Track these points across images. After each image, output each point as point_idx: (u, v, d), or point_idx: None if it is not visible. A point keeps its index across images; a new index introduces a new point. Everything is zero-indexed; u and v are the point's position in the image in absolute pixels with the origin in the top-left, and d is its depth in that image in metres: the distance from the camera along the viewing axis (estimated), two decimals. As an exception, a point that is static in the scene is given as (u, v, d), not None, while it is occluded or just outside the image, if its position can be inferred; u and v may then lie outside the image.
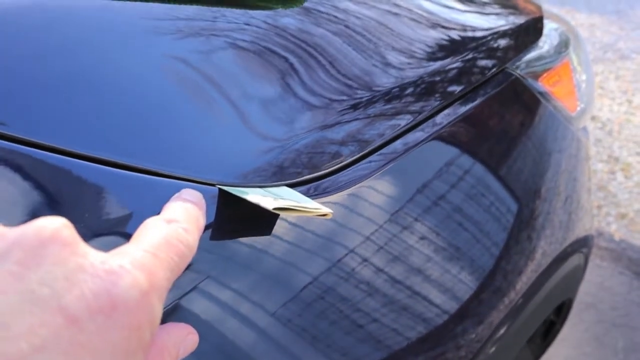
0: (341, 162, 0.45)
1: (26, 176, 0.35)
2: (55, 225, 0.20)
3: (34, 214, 0.34)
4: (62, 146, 0.36)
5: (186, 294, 0.35)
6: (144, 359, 0.20)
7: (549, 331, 0.92)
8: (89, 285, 0.19)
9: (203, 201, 0.29)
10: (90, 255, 0.20)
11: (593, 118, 2.28)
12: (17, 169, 0.35)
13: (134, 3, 0.45)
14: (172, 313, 0.35)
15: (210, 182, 0.37)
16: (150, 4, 0.45)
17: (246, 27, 0.47)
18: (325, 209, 0.36)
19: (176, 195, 0.29)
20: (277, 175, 0.41)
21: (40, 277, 0.18)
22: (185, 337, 0.26)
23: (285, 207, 0.33)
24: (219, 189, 0.37)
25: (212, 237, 0.37)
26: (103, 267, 0.20)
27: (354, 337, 0.43)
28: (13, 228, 0.19)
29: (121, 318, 0.19)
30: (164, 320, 0.26)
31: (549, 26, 0.78)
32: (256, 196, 0.35)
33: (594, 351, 1.29)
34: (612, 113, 2.33)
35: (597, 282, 1.48)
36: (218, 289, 0.37)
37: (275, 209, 0.33)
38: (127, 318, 0.19)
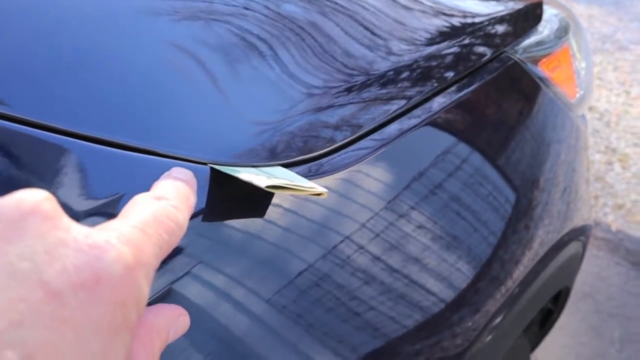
0: (334, 144, 0.44)
1: (14, 153, 0.34)
2: (37, 198, 0.19)
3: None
4: (51, 123, 0.35)
5: (179, 278, 0.35)
6: (130, 340, 0.20)
7: (546, 320, 0.91)
8: (71, 259, 0.18)
9: (194, 179, 0.29)
10: (73, 229, 0.19)
11: (591, 109, 2.27)
12: (5, 146, 0.34)
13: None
14: (164, 298, 0.34)
15: (202, 161, 0.37)
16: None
17: (241, 8, 0.46)
18: (320, 188, 0.35)
19: (166, 173, 0.28)
20: (270, 156, 0.40)
21: (19, 250, 0.17)
22: (176, 318, 0.25)
23: (279, 185, 0.33)
24: (211, 168, 0.36)
25: (204, 219, 0.36)
26: (86, 241, 0.19)
27: (349, 324, 0.42)
28: None
29: (105, 293, 0.18)
30: (155, 306, 0.25)
31: (549, 12, 0.77)
32: (249, 174, 0.34)
33: (590, 341, 1.29)
34: (610, 104, 2.32)
35: (594, 272, 1.48)
36: (211, 273, 0.36)
37: (268, 187, 0.32)
38: (111, 293, 0.18)
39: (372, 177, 0.46)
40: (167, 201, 0.24)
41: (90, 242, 0.19)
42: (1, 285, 0.16)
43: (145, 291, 0.20)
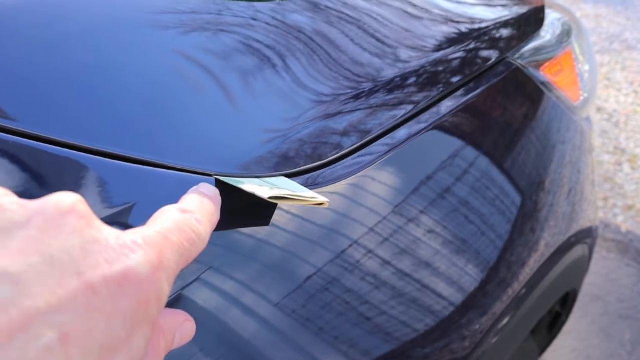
0: (342, 151, 0.45)
1: (27, 168, 0.36)
2: (73, 199, 0.21)
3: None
4: (61, 139, 0.36)
5: (188, 285, 0.36)
6: (149, 332, 0.21)
7: (554, 323, 0.91)
8: (103, 255, 0.20)
9: (219, 197, 0.30)
10: (104, 230, 0.21)
11: (599, 109, 2.26)
12: (20, 161, 0.35)
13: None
14: (174, 304, 0.35)
15: (208, 173, 0.38)
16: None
17: (246, 18, 0.47)
18: (321, 198, 0.36)
19: (194, 188, 0.30)
20: (278, 165, 0.41)
21: (59, 244, 0.19)
22: (182, 323, 0.26)
23: (281, 196, 0.34)
24: (216, 179, 0.37)
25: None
26: (117, 241, 0.21)
27: (358, 327, 0.43)
28: (32, 200, 0.20)
29: (132, 289, 0.20)
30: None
31: (551, 16, 0.77)
32: (252, 186, 0.35)
33: (600, 343, 1.29)
34: (619, 104, 2.31)
35: (603, 274, 1.47)
36: (221, 278, 0.37)
37: (270, 197, 0.33)
38: (137, 290, 0.20)
39: (380, 182, 0.47)
40: (192, 214, 0.26)
41: (121, 242, 0.21)
42: (43, 273, 0.18)
43: (166, 292, 0.22)
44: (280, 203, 0.39)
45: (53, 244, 0.19)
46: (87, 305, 0.18)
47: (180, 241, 0.24)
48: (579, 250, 0.75)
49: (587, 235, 0.78)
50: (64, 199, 0.20)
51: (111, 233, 0.21)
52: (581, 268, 0.81)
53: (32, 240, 0.19)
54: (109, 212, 0.35)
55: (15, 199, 0.20)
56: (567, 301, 0.87)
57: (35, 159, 0.36)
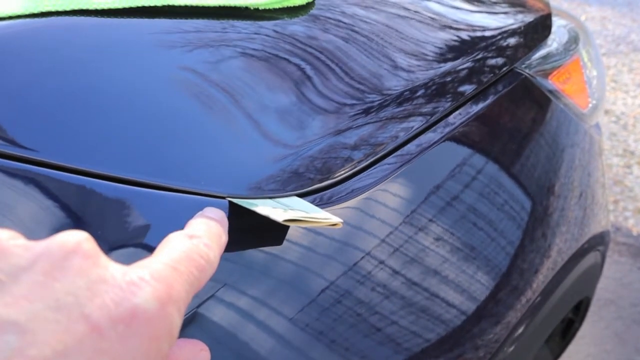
0: (355, 166, 0.45)
1: (39, 196, 0.36)
2: (78, 238, 0.21)
3: (47, 231, 0.35)
4: (72, 164, 0.37)
5: (201, 303, 0.36)
6: None
7: (567, 329, 0.91)
8: (110, 295, 0.20)
9: (226, 219, 0.30)
10: (111, 267, 0.21)
11: (607, 112, 2.25)
12: (31, 189, 0.36)
13: (140, 20, 0.45)
14: (187, 323, 0.35)
15: (221, 195, 0.38)
16: (157, 19, 0.46)
17: (254, 36, 0.48)
18: (335, 219, 0.36)
19: (199, 212, 0.30)
20: (290, 183, 0.41)
21: (64, 286, 0.19)
22: (197, 353, 0.26)
23: (295, 218, 0.34)
24: (229, 201, 0.37)
25: (226, 248, 0.37)
26: (124, 278, 0.20)
27: (372, 340, 0.43)
28: (38, 241, 0.20)
29: (141, 328, 0.20)
30: (181, 330, 0.26)
31: (557, 23, 0.77)
32: (266, 208, 0.35)
33: (615, 348, 1.27)
34: (627, 106, 2.30)
35: (616, 278, 1.46)
36: (233, 297, 0.37)
37: (285, 220, 0.33)
38: (147, 328, 0.20)
39: (394, 196, 0.47)
40: (200, 239, 0.26)
41: (127, 280, 0.20)
42: (48, 318, 0.18)
43: (177, 325, 0.22)
44: (294, 225, 0.39)
45: (58, 288, 0.19)
46: (94, 349, 0.18)
47: (189, 270, 0.23)
48: (592, 258, 0.75)
49: (599, 242, 0.77)
50: (69, 239, 0.20)
51: (118, 270, 0.21)
52: (594, 275, 0.81)
53: (37, 285, 0.19)
54: (118, 237, 0.36)
55: (20, 241, 0.20)
56: (580, 308, 0.87)
57: (45, 186, 0.36)
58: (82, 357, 0.18)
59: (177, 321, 0.22)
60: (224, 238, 0.28)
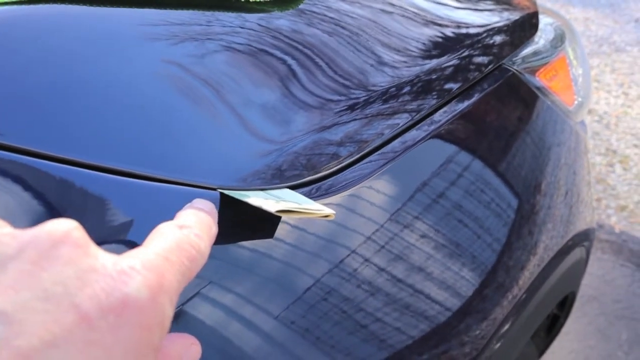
0: (341, 163, 0.45)
1: (28, 186, 0.35)
2: (67, 227, 0.20)
3: (33, 222, 0.34)
4: (62, 155, 0.36)
5: (189, 299, 0.36)
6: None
7: (553, 325, 0.92)
8: (100, 284, 0.19)
9: (215, 210, 0.30)
10: (101, 257, 0.20)
11: (590, 111, 2.28)
12: (20, 179, 0.35)
13: (129, 10, 0.45)
14: (176, 319, 0.35)
15: (212, 187, 0.38)
16: (146, 10, 0.45)
17: (242, 30, 0.47)
18: (327, 210, 0.36)
19: (189, 204, 0.30)
20: (277, 177, 0.41)
21: (53, 276, 0.18)
22: (188, 347, 0.26)
23: (288, 209, 0.34)
24: (221, 193, 0.37)
25: (215, 242, 0.37)
26: (114, 267, 0.20)
27: (358, 337, 0.43)
28: (25, 230, 0.20)
29: (132, 317, 0.19)
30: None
31: (544, 21, 0.78)
32: (258, 199, 0.35)
33: (598, 344, 1.29)
34: (609, 106, 2.33)
35: (599, 274, 1.48)
36: (221, 293, 0.37)
37: (277, 211, 0.33)
38: (138, 317, 0.19)
39: (380, 193, 0.47)
40: (190, 229, 0.25)
41: (118, 269, 0.20)
42: (36, 308, 0.17)
43: (169, 316, 0.21)
44: (286, 216, 0.39)
45: (46, 277, 0.18)
46: (84, 340, 0.18)
47: (180, 260, 0.23)
48: (577, 253, 0.76)
49: (585, 238, 0.78)
50: (58, 227, 0.20)
51: (108, 259, 0.20)
52: (579, 271, 0.82)
53: (24, 274, 0.18)
54: (109, 229, 0.35)
55: (7, 229, 0.19)
56: (565, 304, 0.88)
57: (35, 176, 0.35)
58: (71, 348, 0.17)
59: (169, 312, 0.21)
60: (214, 229, 0.28)
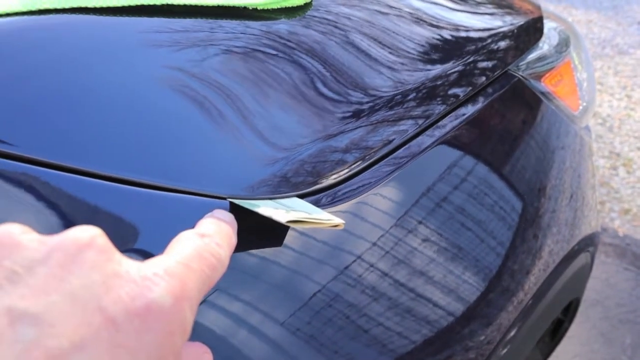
0: (349, 170, 0.45)
1: (41, 196, 0.35)
2: (92, 233, 0.21)
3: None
4: (73, 165, 0.36)
5: (199, 305, 0.36)
6: None
7: (557, 330, 0.92)
8: (125, 289, 0.20)
9: (235, 222, 0.30)
10: (125, 263, 0.21)
11: (593, 114, 2.28)
12: (33, 189, 0.35)
13: (139, 18, 0.45)
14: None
15: (221, 196, 0.38)
16: (155, 18, 0.45)
17: (248, 39, 0.47)
18: (337, 220, 0.36)
19: (209, 214, 0.30)
20: (285, 186, 0.41)
21: (79, 280, 0.19)
22: (201, 355, 0.26)
23: (298, 219, 0.34)
24: (230, 202, 0.37)
25: None
26: (138, 273, 0.21)
27: (363, 343, 0.43)
28: (51, 236, 0.20)
29: (155, 322, 0.20)
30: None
31: (548, 25, 0.78)
32: (268, 209, 0.35)
33: (601, 348, 1.29)
34: (612, 109, 2.33)
35: (602, 278, 1.48)
36: (229, 301, 0.37)
37: (288, 222, 0.33)
38: (161, 323, 0.20)
39: (388, 200, 0.47)
40: (211, 238, 0.26)
41: (142, 275, 0.21)
42: (64, 310, 0.18)
43: (190, 321, 0.22)
44: (296, 226, 0.39)
45: (73, 281, 0.19)
46: (110, 342, 0.18)
47: (201, 268, 0.23)
48: (582, 259, 0.75)
49: (590, 243, 0.78)
50: (83, 233, 0.20)
51: (132, 266, 0.21)
52: (585, 276, 0.82)
53: (52, 277, 0.19)
54: (119, 237, 0.35)
55: (34, 235, 0.20)
56: (569, 308, 0.88)
57: (47, 186, 0.36)
58: (98, 350, 0.18)
59: (190, 318, 0.22)
60: (234, 239, 0.28)
